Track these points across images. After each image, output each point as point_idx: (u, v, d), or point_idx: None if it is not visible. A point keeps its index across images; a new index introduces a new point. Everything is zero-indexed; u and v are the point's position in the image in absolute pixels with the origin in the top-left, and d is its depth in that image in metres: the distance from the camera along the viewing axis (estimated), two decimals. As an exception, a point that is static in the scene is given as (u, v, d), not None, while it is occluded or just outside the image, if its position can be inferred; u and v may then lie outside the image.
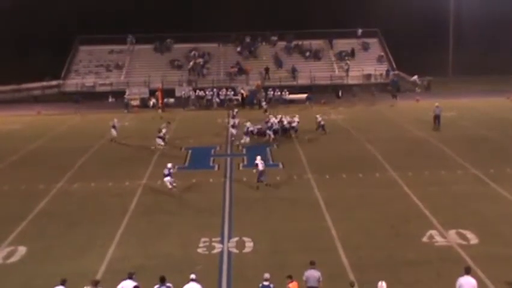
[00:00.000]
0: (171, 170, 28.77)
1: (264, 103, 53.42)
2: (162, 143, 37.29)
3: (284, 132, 40.99)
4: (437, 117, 42.88)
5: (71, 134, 44.93)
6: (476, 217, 24.08)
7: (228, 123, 42.10)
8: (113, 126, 40.70)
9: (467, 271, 16.23)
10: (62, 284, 16.29)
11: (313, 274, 16.73)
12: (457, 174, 30.68)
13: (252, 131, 40.30)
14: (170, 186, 28.40)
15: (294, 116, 41.99)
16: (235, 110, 46.34)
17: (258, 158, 29.48)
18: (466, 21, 71.90)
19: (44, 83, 64.50)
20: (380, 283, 15.62)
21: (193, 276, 16.42)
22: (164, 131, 38.36)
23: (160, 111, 51.89)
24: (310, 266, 16.96)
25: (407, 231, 22.67)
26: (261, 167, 29.02)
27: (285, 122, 41.43)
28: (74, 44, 69.54)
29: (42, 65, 66.15)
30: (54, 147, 40.04)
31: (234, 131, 39.95)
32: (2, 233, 23.27)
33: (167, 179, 28.44)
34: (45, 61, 67.38)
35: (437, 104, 44.14)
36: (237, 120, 41.44)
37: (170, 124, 40.96)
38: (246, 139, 38.94)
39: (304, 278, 16.72)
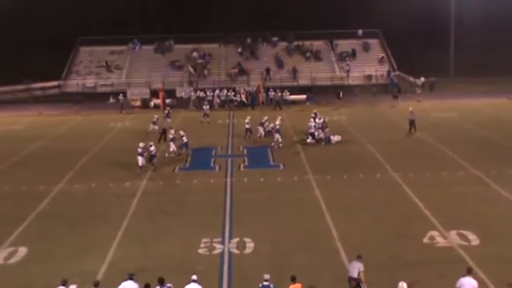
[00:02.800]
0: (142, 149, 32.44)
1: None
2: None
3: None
4: (412, 122, 41.48)
5: (72, 135, 44.94)
6: (478, 218, 24.06)
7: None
8: (154, 122, 42.85)
9: (469, 271, 16.22)
10: (63, 284, 16.30)
11: (355, 264, 17.32)
12: (458, 175, 30.65)
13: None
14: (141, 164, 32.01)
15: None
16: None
17: (182, 131, 36.30)
18: (467, 22, 71.93)
19: (46, 84, 64.37)
20: (400, 283, 15.66)
21: (194, 277, 16.45)
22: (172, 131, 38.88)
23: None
24: (357, 258, 17.58)
25: (408, 232, 22.66)
26: (185, 139, 35.87)
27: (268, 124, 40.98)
28: (75, 45, 69.58)
29: (43, 65, 66.11)
30: (55, 147, 40.03)
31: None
32: (3, 234, 23.26)
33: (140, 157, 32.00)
34: (45, 61, 67.39)
35: (411, 108, 43.25)
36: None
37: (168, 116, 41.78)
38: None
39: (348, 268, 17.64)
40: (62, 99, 61.88)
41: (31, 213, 25.97)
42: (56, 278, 16.94)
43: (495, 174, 30.13)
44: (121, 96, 56.43)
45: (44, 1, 72.71)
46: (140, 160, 31.87)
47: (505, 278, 18.21)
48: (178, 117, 50.35)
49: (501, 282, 17.94)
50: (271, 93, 57.63)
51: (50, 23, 71.23)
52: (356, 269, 17.19)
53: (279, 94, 56.75)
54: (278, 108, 53.75)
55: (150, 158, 32.74)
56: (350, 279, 17.34)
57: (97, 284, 16.49)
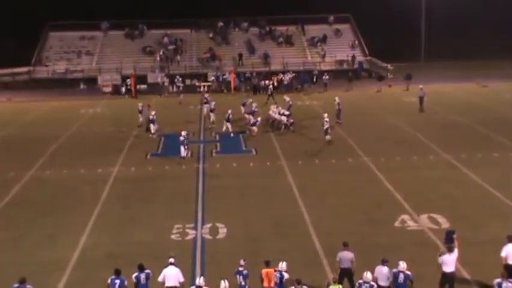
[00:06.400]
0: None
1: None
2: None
3: None
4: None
5: (42, 121, 44.43)
6: (448, 201, 24.39)
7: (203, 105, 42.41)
8: (211, 110, 40.95)
9: (450, 250, 16.63)
10: (21, 282, 15.13)
11: (346, 255, 16.82)
12: (429, 159, 30.99)
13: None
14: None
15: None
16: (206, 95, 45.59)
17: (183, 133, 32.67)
18: (439, 7, 72.21)
19: (15, 70, 63.33)
20: (401, 262, 16.00)
21: (171, 260, 16.20)
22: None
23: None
24: (344, 247, 16.99)
25: (380, 217, 22.90)
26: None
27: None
28: (44, 30, 68.59)
29: (13, 51, 65.15)
30: (26, 134, 39.58)
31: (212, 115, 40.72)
32: (-27, 222, 22.99)
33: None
34: (15, 47, 66.42)
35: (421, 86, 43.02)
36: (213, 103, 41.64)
37: (150, 107, 40.78)
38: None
39: (337, 259, 16.84)
40: (32, 86, 61.08)
41: (1, 200, 25.71)
42: (28, 265, 16.83)
43: (464, 158, 30.53)
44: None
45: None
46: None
47: (473, 260, 18.50)
48: (150, 104, 49.88)
49: (469, 263, 18.20)
50: (248, 75, 57.81)
51: (19, 8, 69.93)
52: (347, 260, 16.77)
53: (257, 80, 56.55)
54: (257, 92, 53.76)
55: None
56: (343, 270, 16.70)
57: (23, 280, 15.26)
